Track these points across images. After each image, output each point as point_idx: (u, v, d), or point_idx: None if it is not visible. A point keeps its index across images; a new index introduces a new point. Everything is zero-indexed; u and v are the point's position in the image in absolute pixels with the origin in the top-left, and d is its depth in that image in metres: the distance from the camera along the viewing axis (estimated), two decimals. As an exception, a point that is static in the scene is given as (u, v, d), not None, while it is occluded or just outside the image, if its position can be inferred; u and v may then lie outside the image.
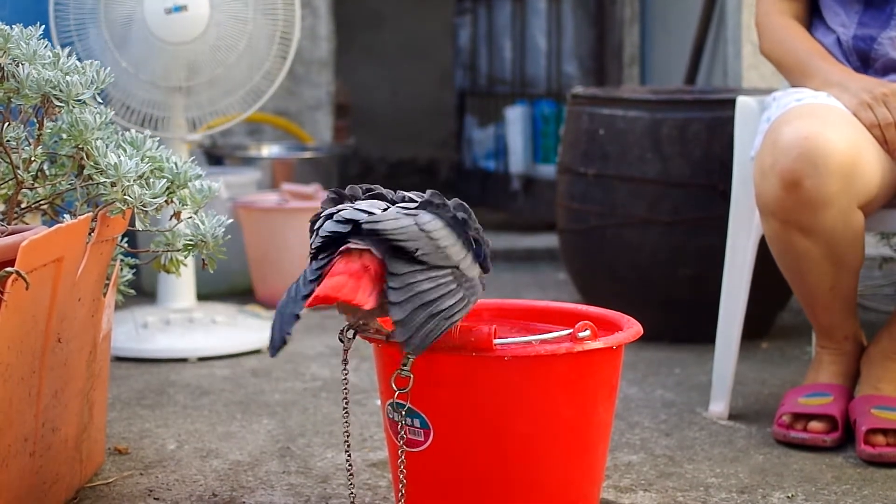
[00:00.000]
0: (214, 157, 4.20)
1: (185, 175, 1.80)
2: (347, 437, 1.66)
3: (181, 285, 2.97)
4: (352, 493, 1.72)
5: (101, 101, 1.83)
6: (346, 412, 1.64)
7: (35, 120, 1.81)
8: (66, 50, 1.81)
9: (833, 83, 2.18)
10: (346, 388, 1.62)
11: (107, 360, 2.00)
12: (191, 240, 1.86)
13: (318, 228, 1.57)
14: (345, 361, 1.62)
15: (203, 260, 1.88)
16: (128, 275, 2.05)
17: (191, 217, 1.86)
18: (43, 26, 1.85)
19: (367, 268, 1.51)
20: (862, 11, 2.23)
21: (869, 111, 2.11)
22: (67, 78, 1.74)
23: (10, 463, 1.62)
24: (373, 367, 1.76)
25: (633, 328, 1.68)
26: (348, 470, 1.67)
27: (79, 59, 1.83)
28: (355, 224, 1.53)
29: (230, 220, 1.92)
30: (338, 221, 1.54)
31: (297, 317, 1.51)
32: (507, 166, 5.36)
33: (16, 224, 1.81)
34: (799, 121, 2.05)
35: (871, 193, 2.08)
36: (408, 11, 6.91)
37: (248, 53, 2.84)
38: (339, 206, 1.59)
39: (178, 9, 2.69)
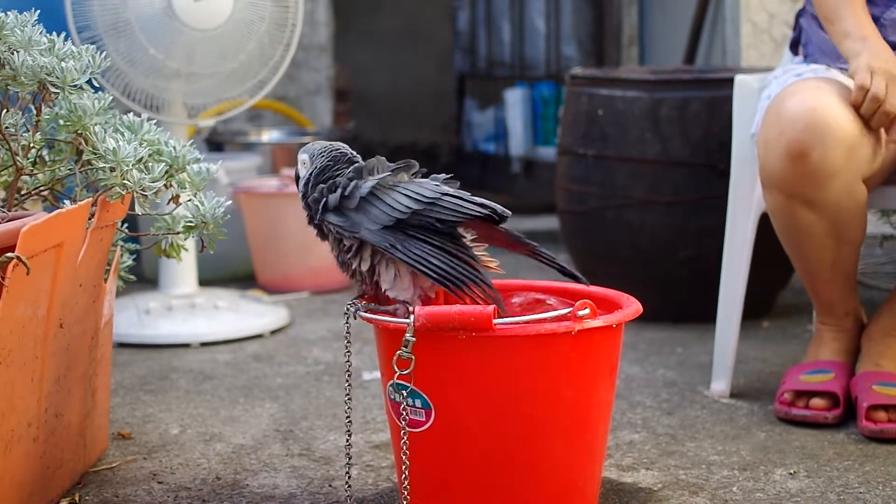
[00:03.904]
0: (214, 143, 4.20)
1: (183, 158, 1.80)
2: (348, 417, 1.66)
3: (183, 271, 2.98)
4: (348, 472, 1.73)
5: (96, 87, 1.83)
6: (348, 394, 1.65)
7: (33, 107, 1.81)
8: (62, 35, 1.80)
9: (858, 37, 2.09)
10: (348, 360, 1.62)
11: (109, 345, 2.01)
12: (191, 221, 1.87)
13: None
14: (347, 331, 1.64)
15: (202, 241, 1.88)
16: (128, 260, 2.06)
17: (190, 200, 1.86)
18: (38, 11, 1.85)
19: None
20: None
21: (867, 75, 2.06)
22: (63, 64, 1.74)
23: (14, 448, 1.62)
24: (374, 351, 1.77)
25: (632, 306, 1.69)
26: (347, 452, 1.68)
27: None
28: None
29: (229, 202, 1.91)
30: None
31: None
32: (507, 149, 5.36)
33: (16, 210, 1.81)
34: (803, 93, 2.05)
35: (873, 166, 2.08)
36: (407, -5, 6.90)
37: (262, 41, 2.87)
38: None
39: None
